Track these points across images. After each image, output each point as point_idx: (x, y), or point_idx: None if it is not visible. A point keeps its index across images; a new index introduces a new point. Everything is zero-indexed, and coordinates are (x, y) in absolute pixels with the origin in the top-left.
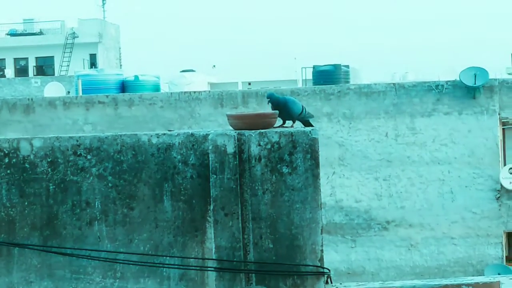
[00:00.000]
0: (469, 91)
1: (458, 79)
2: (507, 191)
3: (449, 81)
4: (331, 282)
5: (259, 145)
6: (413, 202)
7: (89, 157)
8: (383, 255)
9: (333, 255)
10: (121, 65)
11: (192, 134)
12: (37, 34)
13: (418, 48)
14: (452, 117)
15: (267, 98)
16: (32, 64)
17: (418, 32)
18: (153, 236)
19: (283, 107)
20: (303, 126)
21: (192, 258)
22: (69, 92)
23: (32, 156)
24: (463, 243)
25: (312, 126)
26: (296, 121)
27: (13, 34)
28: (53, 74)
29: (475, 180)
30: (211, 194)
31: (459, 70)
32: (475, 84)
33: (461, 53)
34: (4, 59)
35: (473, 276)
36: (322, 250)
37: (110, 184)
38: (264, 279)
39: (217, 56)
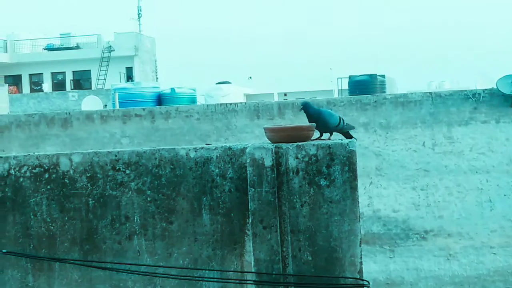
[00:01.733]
0: (507, 99)
1: (495, 87)
2: None
3: (486, 89)
4: None
5: (297, 158)
6: (451, 212)
7: (127, 171)
8: (422, 265)
9: (372, 266)
10: (157, 78)
11: (229, 148)
12: (74, 48)
13: (455, 56)
14: (490, 126)
15: (301, 106)
16: (69, 78)
17: (454, 40)
18: (192, 250)
19: (317, 119)
20: (343, 137)
21: (231, 271)
22: (106, 105)
23: (71, 172)
24: (502, 252)
25: (352, 137)
26: (334, 133)
27: (50, 48)
28: (90, 88)
29: None
30: (250, 207)
31: (496, 78)
32: None
33: (498, 59)
34: (42, 73)
35: None
36: (361, 262)
37: (149, 199)
38: None
39: (253, 68)
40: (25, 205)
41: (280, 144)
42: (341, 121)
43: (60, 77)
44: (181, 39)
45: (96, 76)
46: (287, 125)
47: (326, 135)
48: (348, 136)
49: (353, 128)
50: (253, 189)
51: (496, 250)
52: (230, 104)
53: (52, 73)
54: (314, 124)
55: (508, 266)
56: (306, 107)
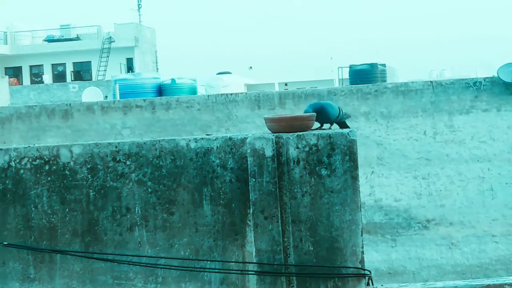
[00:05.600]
0: (508, 87)
1: (495, 75)
2: None
3: (486, 77)
4: (372, 284)
5: (297, 147)
6: (453, 200)
7: (128, 163)
8: (424, 254)
9: (374, 255)
10: (157, 69)
11: (230, 138)
12: (74, 40)
13: (455, 44)
14: (491, 114)
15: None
16: (69, 69)
17: (454, 27)
18: (193, 241)
19: (320, 112)
20: (339, 127)
21: (232, 262)
22: (106, 96)
23: (72, 163)
24: (504, 241)
25: (348, 127)
26: (334, 123)
27: (50, 40)
28: (91, 79)
29: None
30: (251, 198)
31: (497, 66)
32: None
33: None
34: (42, 65)
35: None
36: (362, 252)
37: (149, 190)
38: (305, 282)
39: (253, 58)
40: (25, 197)
41: (281, 134)
42: (340, 111)
43: (60, 68)
44: (182, 29)
45: (97, 67)
46: (288, 115)
47: (326, 125)
48: (345, 126)
49: (349, 117)
50: (254, 179)
51: (498, 238)
52: (231, 94)
53: (52, 64)
54: (314, 114)
55: (510, 254)
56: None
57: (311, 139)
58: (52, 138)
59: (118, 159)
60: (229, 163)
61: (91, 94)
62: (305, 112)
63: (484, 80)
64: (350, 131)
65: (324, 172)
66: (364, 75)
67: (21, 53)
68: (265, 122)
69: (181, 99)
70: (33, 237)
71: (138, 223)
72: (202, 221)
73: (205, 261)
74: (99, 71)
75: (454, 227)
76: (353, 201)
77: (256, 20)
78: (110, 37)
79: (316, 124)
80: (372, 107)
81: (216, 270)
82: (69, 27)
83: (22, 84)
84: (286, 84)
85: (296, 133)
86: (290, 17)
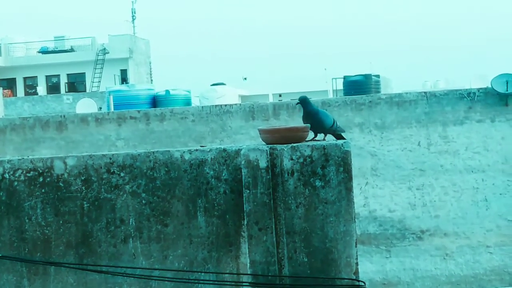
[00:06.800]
0: (501, 98)
1: (489, 86)
2: None
3: (480, 88)
4: None
5: (292, 159)
6: (447, 211)
7: (122, 174)
8: (418, 265)
9: (368, 266)
10: (152, 80)
11: (224, 150)
12: (68, 51)
13: (449, 56)
14: (485, 125)
15: (298, 100)
16: (63, 81)
17: (448, 40)
18: (187, 252)
19: (314, 118)
20: (335, 139)
21: (227, 273)
22: (101, 108)
23: (66, 175)
24: (498, 252)
25: (344, 138)
26: (328, 134)
27: (44, 51)
28: (85, 91)
29: (510, 187)
30: (245, 209)
31: (491, 76)
32: (507, 90)
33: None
34: (36, 76)
35: (510, 284)
36: (357, 263)
37: (143, 201)
38: None
39: (247, 69)
40: (19, 209)
41: (275, 145)
42: (335, 122)
43: (54, 80)
44: (176, 41)
45: (91, 78)
46: (282, 126)
47: (320, 136)
48: (340, 137)
49: (344, 131)
50: (248, 191)
51: (492, 249)
52: (225, 105)
53: (46, 76)
54: (308, 125)
55: (504, 265)
56: (305, 103)
57: (305, 150)
58: (46, 150)
59: (112, 170)
60: (223, 174)
61: (85, 105)
62: (299, 99)
63: (478, 91)
64: (344, 142)
65: (318, 183)
66: (358, 86)
67: (15, 65)
68: (259, 134)
69: (175, 111)
70: (27, 249)
71: (132, 235)
72: (196, 233)
73: (199, 273)
74: (93, 82)
75: (449, 238)
76: (347, 212)
77: (250, 32)
78: (104, 49)
79: (310, 133)
80: (366, 118)
81: (211, 282)
82: (63, 38)
83: (16, 95)
84: (280, 95)
85: (291, 145)
86: (283, 28)
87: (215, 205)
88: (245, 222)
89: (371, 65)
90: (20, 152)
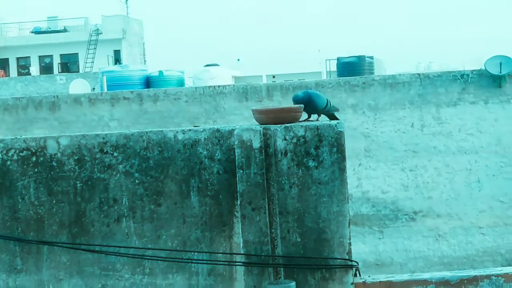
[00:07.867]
0: (495, 80)
1: (483, 68)
2: None
3: (474, 70)
4: (360, 275)
5: (285, 139)
6: (440, 192)
7: (115, 154)
8: (411, 246)
9: (361, 247)
10: (145, 61)
11: (217, 130)
12: (61, 32)
13: (443, 38)
14: (478, 106)
15: (293, 101)
16: (56, 61)
17: (442, 22)
18: (181, 232)
19: (307, 102)
20: (328, 119)
21: (220, 253)
22: (94, 88)
23: (59, 155)
24: (491, 233)
25: (337, 119)
26: (322, 114)
27: (37, 32)
28: (78, 71)
29: (503, 169)
30: (238, 189)
31: (484, 59)
32: (500, 72)
33: (486, 42)
34: (29, 57)
35: (502, 265)
36: (350, 243)
37: (137, 181)
38: (292, 273)
39: (241, 50)
40: (12, 189)
41: (268, 125)
42: (328, 103)
43: (47, 60)
44: (169, 21)
45: (84, 59)
46: (275, 106)
47: (314, 117)
48: (334, 118)
49: (337, 110)
50: (241, 171)
51: (484, 230)
52: (219, 86)
53: (39, 56)
54: (302, 105)
55: (496, 246)
56: (296, 99)
57: (298, 131)
58: (39, 130)
59: (105, 150)
60: (217, 154)
61: (78, 86)
62: (293, 98)
63: (472, 73)
64: (337, 122)
65: (311, 163)
66: (351, 68)
67: (8, 45)
68: (253, 114)
69: (168, 91)
70: (20, 228)
71: (126, 215)
72: (190, 212)
73: (192, 252)
74: (86, 63)
75: (441, 219)
76: (340, 192)
77: (244, 13)
78: (98, 29)
79: (304, 115)
80: (360, 99)
81: (204, 261)
82: (56, 19)
83: (9, 76)
84: (273, 77)
85: (284, 125)
86: (277, 10)
87: (209, 185)
88: (238, 202)
89: (365, 47)
90: (13, 132)
